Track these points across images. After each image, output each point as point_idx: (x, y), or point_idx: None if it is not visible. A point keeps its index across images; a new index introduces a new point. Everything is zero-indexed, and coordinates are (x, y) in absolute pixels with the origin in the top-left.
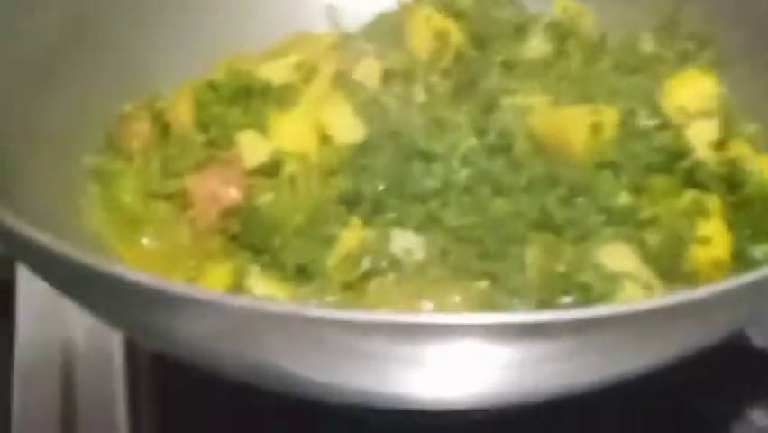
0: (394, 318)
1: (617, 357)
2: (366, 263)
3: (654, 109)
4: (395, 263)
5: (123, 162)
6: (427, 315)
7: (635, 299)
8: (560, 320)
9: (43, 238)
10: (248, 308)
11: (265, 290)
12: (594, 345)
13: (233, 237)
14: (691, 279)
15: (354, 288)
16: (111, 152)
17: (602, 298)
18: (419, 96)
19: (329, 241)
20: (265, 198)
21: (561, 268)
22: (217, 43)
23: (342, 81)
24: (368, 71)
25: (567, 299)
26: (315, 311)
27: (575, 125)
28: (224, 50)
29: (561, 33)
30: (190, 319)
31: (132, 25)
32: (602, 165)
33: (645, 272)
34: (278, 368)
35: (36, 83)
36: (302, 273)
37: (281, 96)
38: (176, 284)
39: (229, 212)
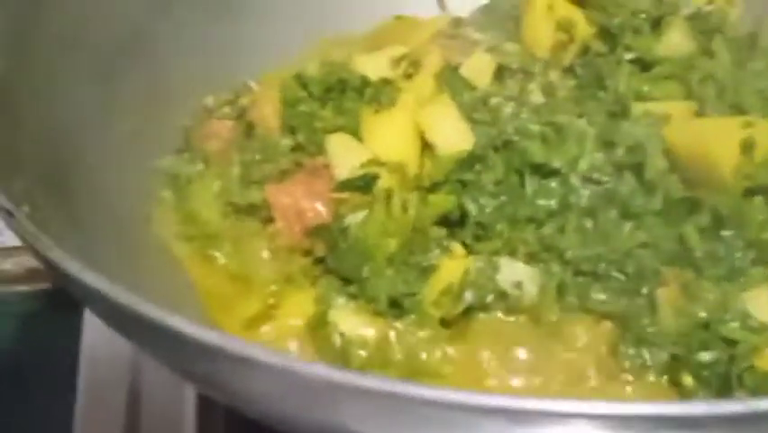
0: (514, 405)
1: None
2: (469, 297)
3: None
4: (502, 298)
5: (202, 166)
6: (558, 402)
7: None
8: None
9: (101, 285)
10: (334, 382)
11: (351, 327)
12: None
13: (318, 260)
14: None
15: (455, 324)
16: (188, 154)
17: (749, 355)
18: (536, 97)
19: (427, 271)
20: (355, 218)
21: (700, 313)
22: (311, 28)
23: (448, 78)
24: (478, 67)
25: (707, 355)
26: (424, 392)
27: (722, 141)
28: (319, 36)
29: (706, 28)
30: (257, 381)
31: (219, 6)
32: (754, 190)
33: None
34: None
35: (111, 70)
36: (395, 307)
37: (379, 94)
38: (238, 343)
39: (315, 231)
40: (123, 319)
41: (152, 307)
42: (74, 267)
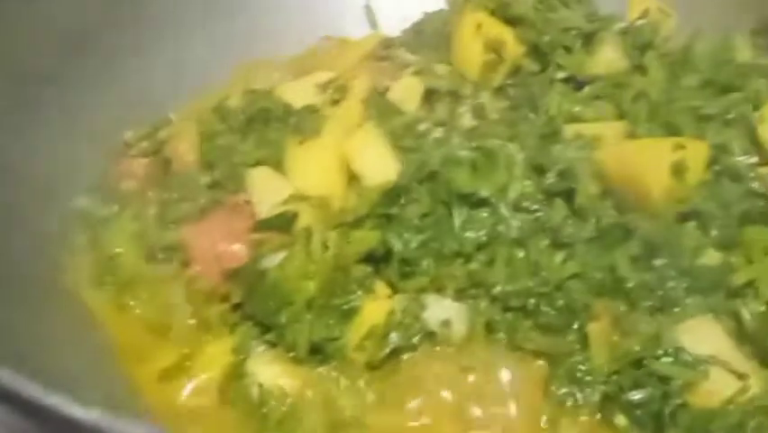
0: None
1: None
2: (394, 339)
3: (751, 140)
4: (429, 337)
5: (117, 207)
6: None
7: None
8: None
9: None
10: None
11: (270, 377)
12: None
13: (237, 306)
14: None
15: (381, 367)
16: (103, 194)
17: (682, 392)
18: (467, 120)
19: (349, 314)
20: (274, 260)
21: (634, 348)
22: (235, 54)
23: (375, 103)
24: (406, 91)
25: (639, 394)
26: None
27: (653, 164)
28: (243, 61)
29: (639, 43)
30: None
31: (136, 36)
32: (687, 215)
33: (737, 356)
34: None
35: (23, 105)
36: (317, 353)
37: (303, 123)
38: None
39: (232, 275)
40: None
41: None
42: None
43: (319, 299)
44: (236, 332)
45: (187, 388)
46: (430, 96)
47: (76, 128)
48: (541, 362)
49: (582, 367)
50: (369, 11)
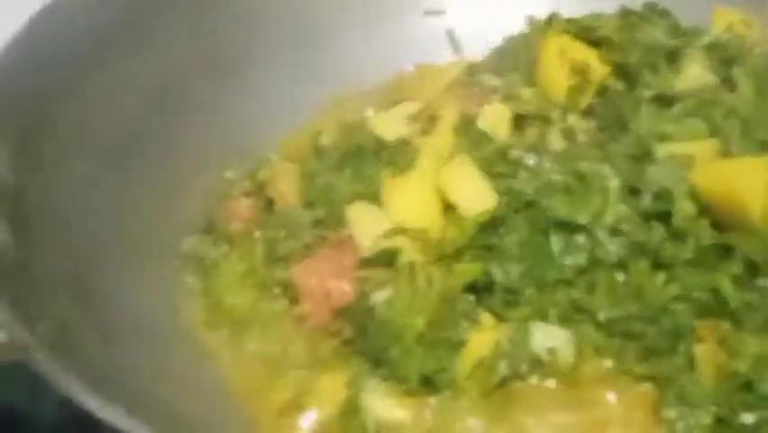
0: None
1: None
2: (503, 368)
3: None
4: (537, 364)
5: (226, 247)
6: None
7: None
8: None
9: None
10: None
11: (384, 410)
12: None
13: (348, 342)
14: None
15: (492, 396)
16: (212, 236)
17: None
18: (557, 143)
19: (457, 346)
20: (381, 296)
21: (741, 367)
22: (325, 86)
23: (465, 131)
24: (495, 118)
25: (751, 417)
26: None
27: (749, 182)
28: (333, 92)
29: (725, 56)
30: None
31: (223, 79)
32: None
33: None
34: None
35: (123, 161)
36: (428, 385)
37: (396, 156)
38: None
39: (342, 312)
40: None
41: None
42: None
43: (428, 333)
44: (349, 366)
45: (305, 422)
46: (518, 121)
47: (175, 173)
48: (650, 385)
49: (691, 389)
50: (451, 36)
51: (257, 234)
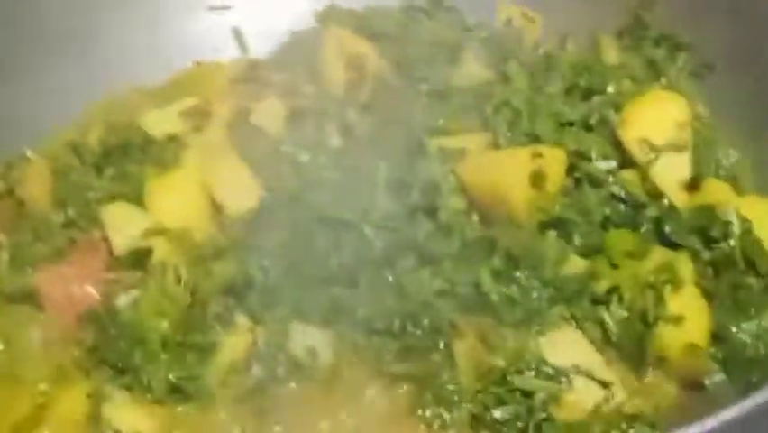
0: None
1: None
2: (258, 372)
3: (612, 145)
4: (296, 367)
5: None
6: None
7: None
8: None
9: None
10: None
11: (128, 422)
12: None
13: (92, 350)
14: (663, 365)
15: (249, 400)
16: None
17: (546, 405)
18: (334, 140)
19: (208, 350)
20: (127, 299)
21: (499, 363)
22: (96, 84)
23: (237, 127)
24: (269, 113)
25: (504, 411)
26: None
27: (513, 174)
28: (104, 91)
29: (502, 50)
30: None
31: None
32: (547, 224)
33: (600, 365)
34: None
35: None
36: (177, 393)
37: (163, 154)
38: None
39: (85, 317)
40: None
41: None
42: None
43: (175, 337)
44: (92, 377)
45: None
46: (296, 116)
47: None
48: (408, 386)
49: (450, 387)
50: (237, 33)
51: (3, 239)
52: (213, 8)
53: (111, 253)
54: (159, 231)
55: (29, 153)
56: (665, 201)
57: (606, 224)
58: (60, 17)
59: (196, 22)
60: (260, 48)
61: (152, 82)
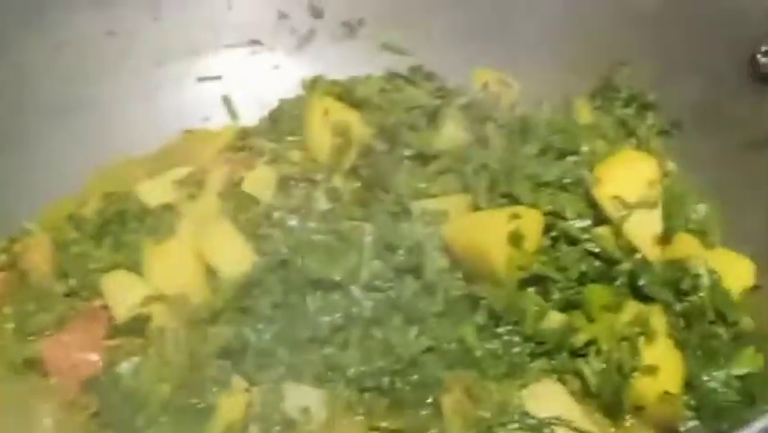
0: None
1: None
2: (255, 432)
3: (587, 203)
4: (290, 426)
5: None
6: None
7: None
8: None
9: None
10: None
11: None
12: None
13: (97, 414)
14: (640, 413)
15: None
16: None
17: None
18: (322, 204)
19: (205, 412)
20: (128, 366)
21: (484, 415)
22: (90, 156)
23: (230, 195)
24: (261, 181)
25: None
26: None
27: (492, 235)
28: (98, 162)
29: (479, 114)
30: None
31: None
32: (528, 281)
33: (580, 415)
34: None
35: None
36: None
37: (158, 223)
38: None
39: (88, 384)
40: None
41: None
42: None
43: (175, 401)
44: None
45: None
46: (285, 183)
47: None
48: None
49: None
50: (227, 101)
51: (6, 309)
52: (202, 78)
53: (111, 320)
54: (157, 298)
55: (30, 226)
56: (638, 256)
57: (582, 279)
58: (54, 90)
59: (188, 92)
60: (249, 115)
61: (145, 152)
